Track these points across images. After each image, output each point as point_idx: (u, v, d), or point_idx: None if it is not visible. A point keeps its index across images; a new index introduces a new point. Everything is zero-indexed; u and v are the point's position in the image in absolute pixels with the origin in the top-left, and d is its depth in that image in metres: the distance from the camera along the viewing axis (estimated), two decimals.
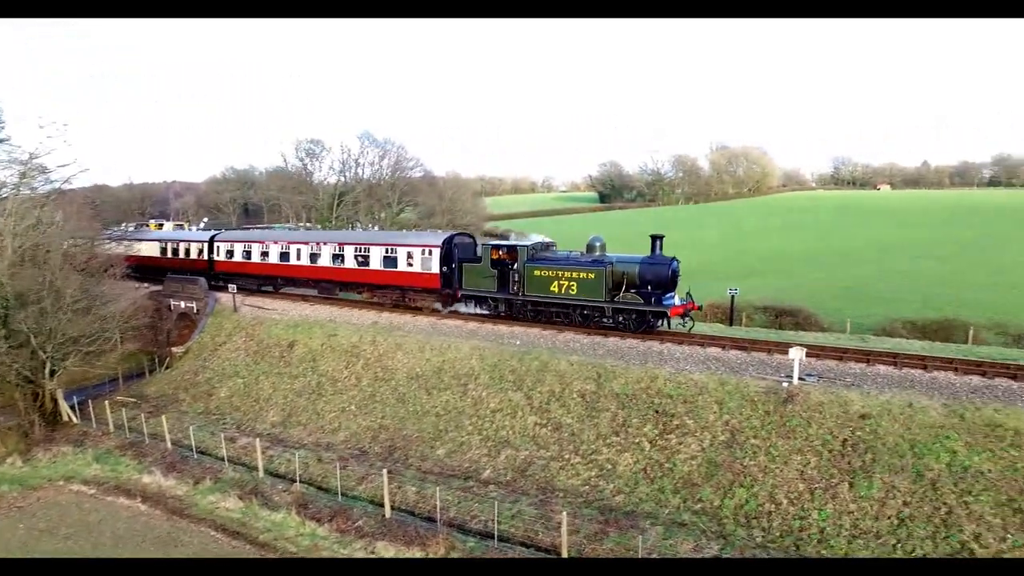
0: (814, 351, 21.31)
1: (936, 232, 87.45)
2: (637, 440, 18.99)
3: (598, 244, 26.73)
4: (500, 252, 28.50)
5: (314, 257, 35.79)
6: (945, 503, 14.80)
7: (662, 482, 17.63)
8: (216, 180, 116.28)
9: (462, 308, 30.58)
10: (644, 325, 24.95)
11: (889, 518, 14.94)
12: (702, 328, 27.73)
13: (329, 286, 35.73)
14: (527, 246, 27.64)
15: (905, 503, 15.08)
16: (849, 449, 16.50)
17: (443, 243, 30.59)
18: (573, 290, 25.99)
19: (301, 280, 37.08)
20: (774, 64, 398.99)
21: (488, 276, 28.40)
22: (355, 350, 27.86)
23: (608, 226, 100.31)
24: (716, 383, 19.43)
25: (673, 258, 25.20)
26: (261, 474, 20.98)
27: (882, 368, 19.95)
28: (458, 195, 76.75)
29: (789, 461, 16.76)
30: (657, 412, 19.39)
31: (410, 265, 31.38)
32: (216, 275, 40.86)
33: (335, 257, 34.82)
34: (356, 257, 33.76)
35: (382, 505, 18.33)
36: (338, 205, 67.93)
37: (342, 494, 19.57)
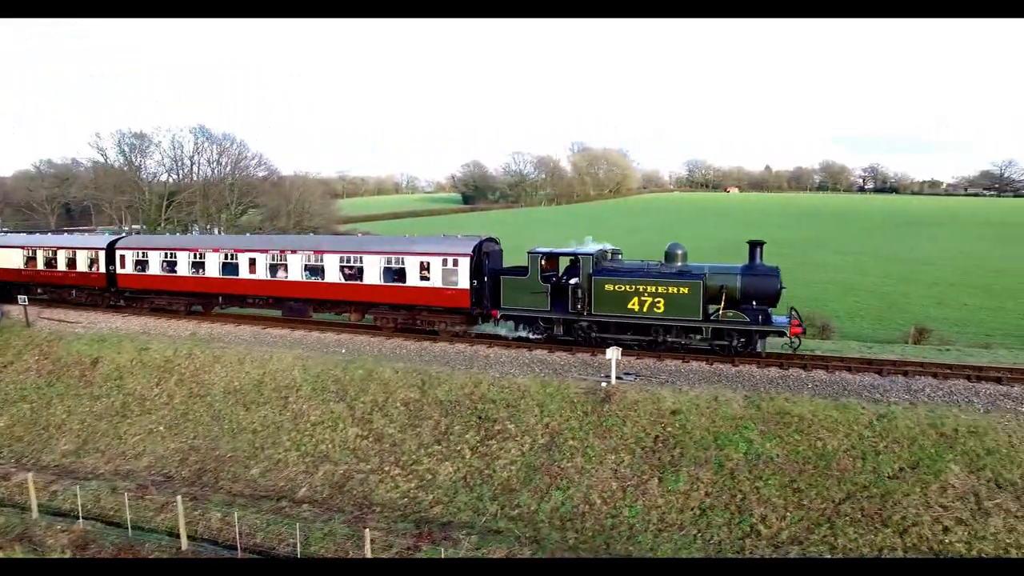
0: (635, 350, 21.98)
1: (775, 233, 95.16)
2: (459, 448, 18.55)
3: (680, 252, 22.58)
4: (554, 262, 24.03)
5: (275, 269, 27.96)
6: (741, 490, 15.58)
7: (481, 489, 17.28)
8: (29, 175, 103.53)
9: (500, 331, 24.54)
10: (751, 347, 21.32)
11: (692, 509, 15.50)
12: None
13: (299, 306, 28.18)
14: (591, 254, 22.49)
15: (707, 493, 15.72)
16: (660, 445, 17.00)
17: (473, 251, 24.15)
18: (659, 308, 21.39)
19: (257, 298, 29.28)
20: (635, 66, 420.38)
21: (538, 292, 22.81)
22: (169, 365, 25.35)
23: (471, 228, 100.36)
24: (538, 386, 19.43)
25: (776, 268, 21.84)
26: (35, 515, 18.34)
27: (695, 364, 20.88)
28: (306, 196, 73.31)
29: (604, 460, 17.00)
30: (480, 418, 19.07)
31: (425, 279, 24.65)
32: (120, 292, 32.87)
33: (310, 269, 27.24)
34: (343, 269, 26.40)
35: (179, 536, 16.58)
36: (168, 206, 62.60)
37: (134, 527, 17.52)
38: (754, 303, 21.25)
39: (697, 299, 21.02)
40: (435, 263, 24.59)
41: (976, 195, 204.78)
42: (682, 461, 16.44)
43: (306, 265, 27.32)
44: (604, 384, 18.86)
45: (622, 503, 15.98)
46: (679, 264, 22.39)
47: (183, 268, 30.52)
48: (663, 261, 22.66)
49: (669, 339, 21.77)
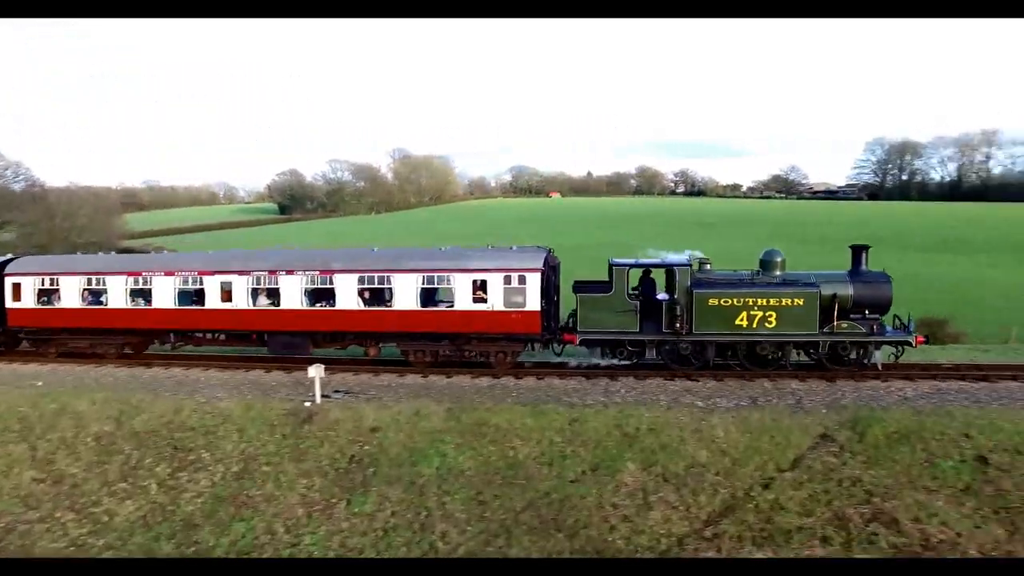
0: (362, 366, 21.45)
1: (594, 235, 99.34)
2: (145, 483, 16.78)
3: (779, 259, 20.46)
4: (644, 275, 20.95)
5: (257, 294, 21.97)
6: (427, 507, 15.29)
7: (160, 528, 15.69)
8: None
9: (569, 361, 21.77)
10: (867, 359, 19.80)
11: (376, 531, 14.95)
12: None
13: (296, 340, 21.96)
14: (687, 266, 20.00)
15: (393, 513, 15.26)
16: (355, 465, 16.37)
17: (544, 264, 20.58)
18: (771, 323, 19.33)
19: (232, 333, 22.82)
20: (458, 71, 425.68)
21: (625, 310, 19.82)
22: None
23: (290, 239, 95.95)
24: (242, 409, 18.15)
25: (886, 274, 20.09)
26: None
27: (410, 378, 20.61)
28: (74, 209, 65.18)
29: (295, 486, 16.07)
30: (175, 448, 17.43)
31: (480, 300, 20.50)
32: (13, 333, 24.67)
33: (313, 294, 21.73)
34: (362, 292, 21.43)
35: None
36: None
37: None
38: (866, 312, 19.80)
39: (813, 311, 19.18)
40: (494, 281, 20.34)
41: (768, 197, 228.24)
42: (374, 481, 15.90)
43: (307, 289, 21.53)
44: (308, 404, 17.99)
45: (305, 530, 15.12)
46: (779, 272, 20.35)
47: (117, 298, 22.95)
48: (760, 270, 20.57)
49: (776, 355, 19.88)
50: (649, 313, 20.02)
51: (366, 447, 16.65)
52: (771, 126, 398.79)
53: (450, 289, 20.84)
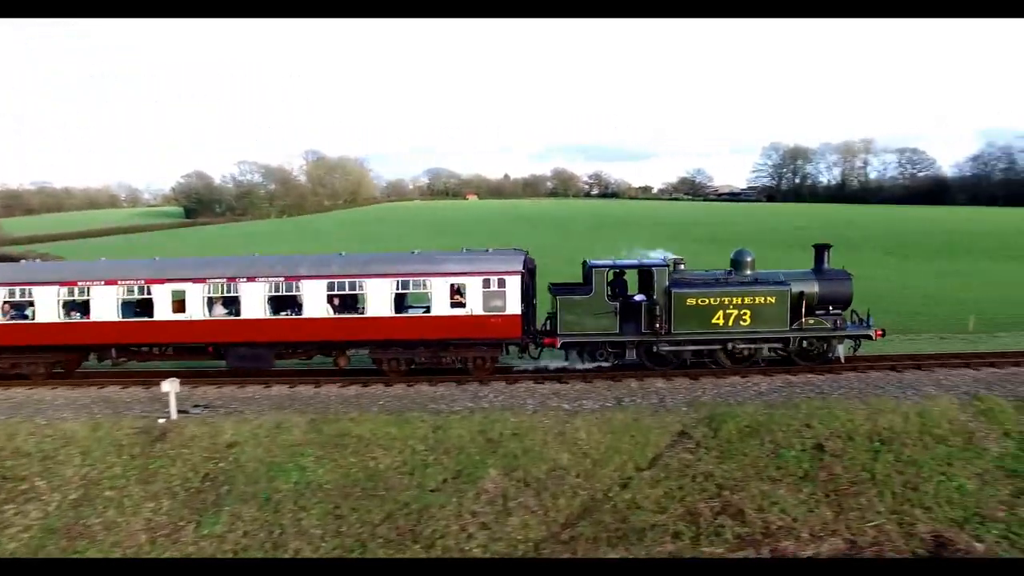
0: (225, 379, 20.67)
1: (507, 238, 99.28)
2: None
3: (749, 259, 21.03)
4: (616, 276, 20.82)
5: (214, 303, 20.47)
6: (281, 524, 14.79)
7: None
8: None
9: (549, 364, 21.56)
10: (830, 354, 20.74)
11: (225, 552, 14.36)
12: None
13: (258, 352, 20.67)
14: (665, 266, 20.18)
15: (245, 533, 14.67)
16: (208, 484, 15.65)
17: (524, 267, 20.27)
18: (745, 321, 19.97)
19: (185, 346, 21.13)
20: (376, 73, 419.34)
21: (605, 312, 19.91)
22: None
23: (197, 244, 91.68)
24: (88, 429, 17.00)
25: (847, 271, 21.12)
26: None
27: (276, 389, 19.99)
28: None
29: (140, 510, 15.18)
30: (3, 478, 16.15)
31: (459, 305, 20.03)
32: None
33: (277, 301, 20.50)
34: (332, 299, 20.36)
35: None
36: None
37: None
38: (830, 308, 20.68)
39: (784, 308, 19.97)
40: (473, 284, 19.90)
41: (676, 199, 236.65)
42: (227, 499, 15.25)
43: (270, 296, 20.23)
44: (162, 421, 17.09)
45: (151, 556, 14.36)
46: (750, 272, 20.89)
47: (48, 310, 20.47)
48: (732, 269, 21.07)
49: (749, 352, 20.58)
50: (628, 314, 20.14)
51: (221, 464, 15.95)
52: (680, 130, 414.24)
53: (426, 294, 20.18)
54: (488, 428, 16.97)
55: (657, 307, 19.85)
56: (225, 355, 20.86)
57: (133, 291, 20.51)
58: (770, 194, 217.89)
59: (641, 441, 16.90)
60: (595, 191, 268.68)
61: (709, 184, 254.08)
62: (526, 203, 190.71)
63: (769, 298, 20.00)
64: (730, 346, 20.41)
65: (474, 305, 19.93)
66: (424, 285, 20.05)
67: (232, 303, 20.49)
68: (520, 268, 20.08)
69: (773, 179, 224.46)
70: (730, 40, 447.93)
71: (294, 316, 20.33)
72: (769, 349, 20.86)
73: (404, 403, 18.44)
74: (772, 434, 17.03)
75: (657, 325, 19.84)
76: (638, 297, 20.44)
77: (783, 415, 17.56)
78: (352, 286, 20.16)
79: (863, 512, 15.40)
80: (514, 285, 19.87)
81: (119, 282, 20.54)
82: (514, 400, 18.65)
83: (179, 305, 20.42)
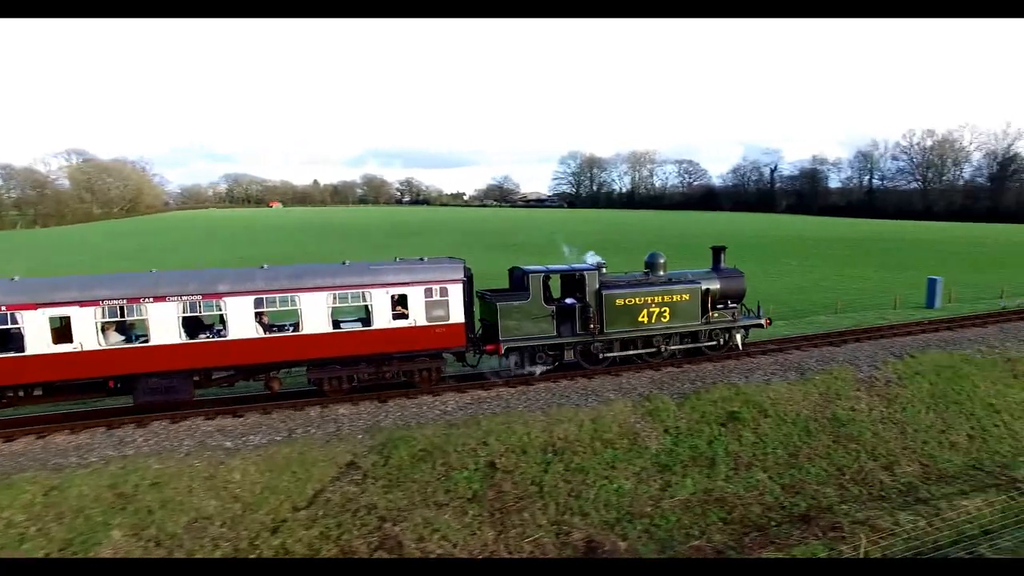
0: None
1: (301, 248, 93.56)
2: None
3: (662, 261, 22.67)
4: (557, 278, 21.59)
5: (108, 329, 17.38)
6: None
7: None
8: None
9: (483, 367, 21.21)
10: (731, 342, 22.93)
11: None
12: None
13: (172, 383, 17.74)
14: (595, 269, 21.09)
15: None
16: None
17: (465, 275, 19.76)
18: (666, 317, 21.52)
19: (75, 383, 17.28)
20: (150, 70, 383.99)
21: (543, 316, 20.31)
22: None
23: None
24: None
25: (739, 270, 23.66)
26: None
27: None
28: None
29: None
30: None
31: (402, 316, 19.07)
32: None
33: (192, 324, 18.03)
34: (261, 316, 18.28)
35: None
36: None
37: None
38: (729, 302, 22.76)
39: (697, 304, 21.76)
40: (415, 295, 19.08)
41: (485, 205, 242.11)
42: None
43: (185, 317, 17.55)
44: None
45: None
46: (663, 273, 22.36)
47: None
48: (647, 271, 22.39)
49: (672, 347, 21.98)
50: (564, 317, 20.74)
51: None
52: (492, 137, 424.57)
53: (367, 307, 18.94)
54: (121, 481, 14.69)
55: (590, 309, 20.72)
56: (134, 389, 17.72)
57: None
58: (571, 200, 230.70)
59: (303, 477, 15.55)
60: (407, 198, 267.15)
61: (517, 191, 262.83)
62: (329, 210, 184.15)
63: (684, 295, 21.75)
64: (655, 341, 21.75)
65: (417, 316, 19.26)
66: (364, 297, 18.87)
67: (116, 331, 17.76)
68: (462, 276, 19.73)
69: (572, 186, 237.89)
70: (538, 49, 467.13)
71: (218, 339, 18.04)
72: (682, 340, 22.28)
73: (21, 462, 15.45)
74: (446, 456, 16.47)
75: (592, 325, 20.73)
76: (569, 300, 21.06)
77: (462, 435, 17.11)
78: (284, 302, 18.27)
79: (524, 528, 15.24)
80: (457, 294, 19.52)
81: None
82: (168, 443, 16.41)
83: (64, 335, 16.94)
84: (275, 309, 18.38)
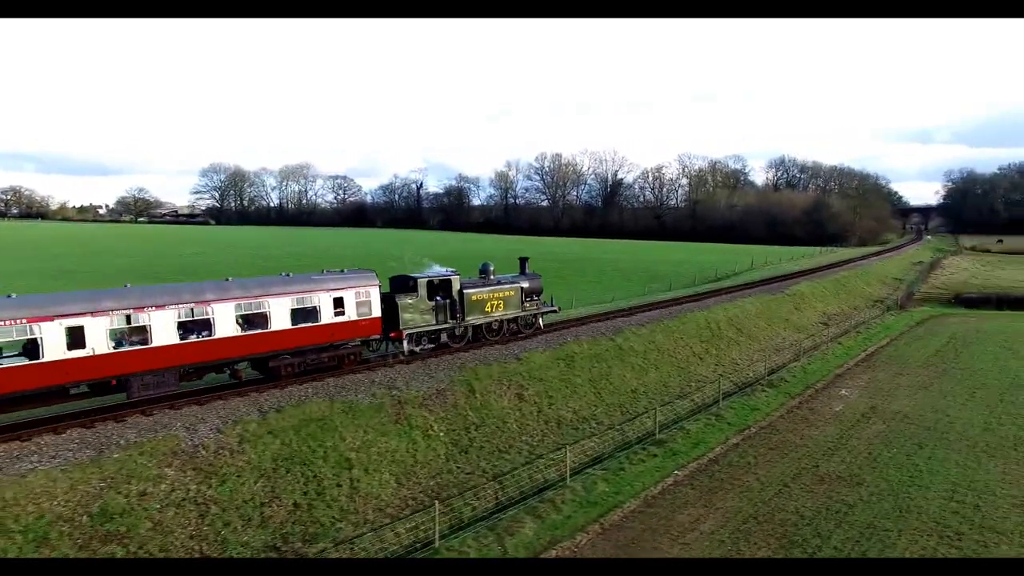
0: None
1: None
2: None
3: (492, 268, 30.59)
4: (435, 282, 27.82)
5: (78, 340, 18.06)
6: None
7: None
8: None
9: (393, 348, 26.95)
10: (537, 324, 32.21)
11: None
12: None
13: (162, 378, 19.79)
14: (458, 275, 28.79)
15: None
16: None
17: (376, 279, 25.43)
18: (501, 308, 29.84)
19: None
20: None
21: (428, 310, 27.27)
22: None
23: None
24: None
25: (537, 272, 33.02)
26: None
27: None
28: None
29: None
30: None
31: (340, 314, 23.86)
32: None
33: (186, 326, 20.22)
34: (238, 319, 21.26)
35: None
36: None
37: None
38: (534, 296, 31.80)
39: (519, 297, 30.67)
40: (349, 296, 24.32)
41: (119, 221, 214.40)
42: None
43: (181, 322, 20.15)
44: None
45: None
46: (492, 276, 30.31)
47: None
48: (481, 276, 30.19)
49: (504, 330, 30.37)
50: (442, 310, 27.72)
51: None
52: (127, 144, 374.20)
53: (315, 308, 23.28)
54: None
55: (456, 304, 28.10)
56: (128, 386, 19.21)
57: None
58: (216, 215, 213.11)
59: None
60: (14, 211, 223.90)
61: (156, 204, 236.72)
62: None
63: (511, 292, 30.24)
64: (494, 325, 29.94)
65: (351, 312, 24.37)
66: (313, 300, 23.28)
67: (141, 332, 19.45)
68: (377, 282, 25.41)
69: (216, 200, 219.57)
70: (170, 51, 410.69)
71: (205, 338, 20.55)
72: (508, 324, 30.49)
73: None
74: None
75: (457, 316, 28.24)
76: (439, 297, 27.65)
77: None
78: (258, 306, 21.81)
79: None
80: (375, 295, 25.22)
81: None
82: None
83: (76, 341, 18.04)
84: (250, 312, 21.68)
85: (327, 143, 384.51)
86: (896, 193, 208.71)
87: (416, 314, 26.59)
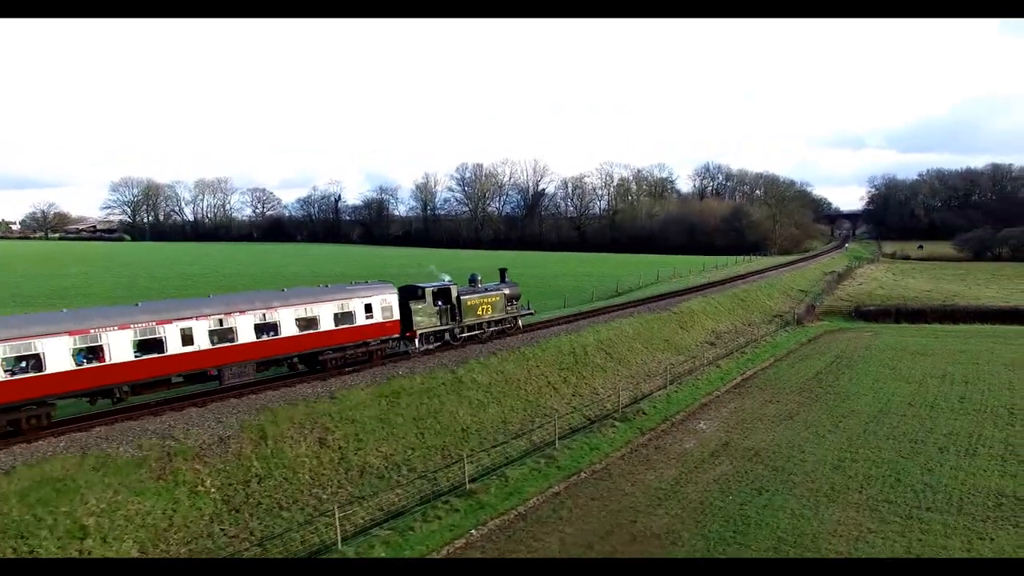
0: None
1: None
2: None
3: (479, 278, 36.24)
4: (437, 290, 32.75)
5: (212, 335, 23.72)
6: None
7: None
8: None
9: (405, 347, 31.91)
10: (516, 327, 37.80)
11: None
12: None
13: (244, 370, 24.67)
14: (456, 284, 34.39)
15: None
16: None
17: (397, 291, 31.07)
18: (490, 311, 35.24)
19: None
20: None
21: (434, 314, 32.25)
22: None
23: None
24: None
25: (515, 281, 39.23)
26: None
27: None
28: None
29: None
30: None
31: (369, 316, 28.96)
32: None
33: (260, 327, 25.14)
34: (296, 321, 26.13)
35: None
36: None
37: None
38: (514, 301, 37.32)
39: (503, 303, 36.22)
40: (376, 302, 29.17)
41: (27, 238, 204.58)
42: None
43: (257, 324, 25.05)
44: None
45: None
46: (480, 284, 35.90)
47: None
48: (471, 284, 35.67)
49: (492, 329, 35.84)
50: (444, 313, 32.93)
51: None
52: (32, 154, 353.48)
53: (351, 312, 28.19)
54: None
55: (455, 308, 33.49)
56: (220, 375, 23.91)
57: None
58: (130, 231, 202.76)
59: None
60: None
61: (71, 219, 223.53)
62: None
63: (497, 297, 36.13)
64: (484, 325, 35.43)
65: (377, 316, 29.32)
66: (350, 306, 28.21)
67: (229, 332, 23.98)
68: (395, 291, 30.74)
69: (129, 216, 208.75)
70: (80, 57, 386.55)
71: (274, 337, 25.34)
72: (495, 324, 36.26)
73: None
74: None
75: (457, 318, 33.56)
76: (441, 303, 32.93)
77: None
78: (311, 311, 26.75)
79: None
80: (395, 301, 30.41)
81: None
82: None
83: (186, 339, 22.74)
84: (305, 316, 26.50)
85: (260, 155, 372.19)
86: (824, 199, 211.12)
87: (425, 317, 31.92)
